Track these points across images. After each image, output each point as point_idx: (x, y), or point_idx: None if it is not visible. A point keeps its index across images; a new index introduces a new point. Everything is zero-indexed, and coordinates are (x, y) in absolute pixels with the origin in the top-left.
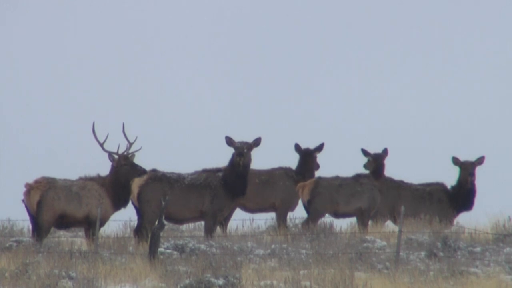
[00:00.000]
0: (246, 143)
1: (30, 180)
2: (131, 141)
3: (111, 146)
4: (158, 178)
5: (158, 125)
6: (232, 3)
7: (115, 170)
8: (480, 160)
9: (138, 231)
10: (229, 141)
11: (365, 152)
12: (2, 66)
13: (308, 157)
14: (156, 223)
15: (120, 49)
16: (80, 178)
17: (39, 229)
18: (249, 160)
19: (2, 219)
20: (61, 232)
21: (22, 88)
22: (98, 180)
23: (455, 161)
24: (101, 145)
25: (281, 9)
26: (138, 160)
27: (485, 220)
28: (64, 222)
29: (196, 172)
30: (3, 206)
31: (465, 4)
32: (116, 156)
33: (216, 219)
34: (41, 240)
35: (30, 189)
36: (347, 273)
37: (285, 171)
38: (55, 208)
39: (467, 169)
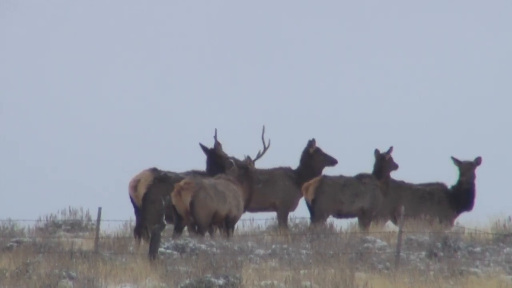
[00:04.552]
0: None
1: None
2: (266, 145)
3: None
4: (163, 179)
5: (157, 124)
6: (232, 3)
7: (249, 173)
8: (478, 161)
9: (138, 231)
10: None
11: (376, 152)
12: (3, 65)
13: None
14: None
15: (119, 49)
16: (220, 177)
17: (199, 227)
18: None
19: (2, 219)
20: (61, 232)
21: (24, 88)
22: (232, 180)
23: (455, 161)
24: (218, 150)
25: (281, 8)
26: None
27: (485, 220)
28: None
29: (188, 173)
30: (3, 206)
31: (465, 3)
32: (244, 162)
33: None
34: (203, 235)
35: (180, 190)
36: (348, 273)
37: (284, 171)
38: (209, 206)
39: (467, 169)
